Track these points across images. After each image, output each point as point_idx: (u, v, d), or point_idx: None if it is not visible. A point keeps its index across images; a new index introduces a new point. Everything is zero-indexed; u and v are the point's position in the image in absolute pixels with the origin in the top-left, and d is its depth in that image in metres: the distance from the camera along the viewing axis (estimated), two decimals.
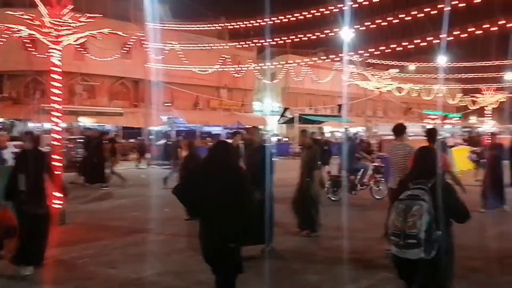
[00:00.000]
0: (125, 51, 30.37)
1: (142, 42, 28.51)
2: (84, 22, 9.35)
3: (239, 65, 35.20)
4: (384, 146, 18.21)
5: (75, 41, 9.46)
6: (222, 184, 3.89)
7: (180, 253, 6.72)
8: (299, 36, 27.63)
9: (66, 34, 9.14)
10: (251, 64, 35.25)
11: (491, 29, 21.96)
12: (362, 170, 11.90)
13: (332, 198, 11.18)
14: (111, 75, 34.05)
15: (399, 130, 6.85)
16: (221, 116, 37.82)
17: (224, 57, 34.62)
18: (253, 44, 30.90)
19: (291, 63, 36.41)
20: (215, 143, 4.68)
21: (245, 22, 27.06)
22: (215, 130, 37.25)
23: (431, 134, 6.62)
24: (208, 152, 4.32)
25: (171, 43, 29.51)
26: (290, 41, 28.97)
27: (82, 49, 24.83)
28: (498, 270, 5.72)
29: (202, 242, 4.01)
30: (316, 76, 44.73)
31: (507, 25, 21.25)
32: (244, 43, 30.74)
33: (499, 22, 21.28)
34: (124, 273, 5.81)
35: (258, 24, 26.42)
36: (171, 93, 34.64)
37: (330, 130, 39.61)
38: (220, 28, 30.42)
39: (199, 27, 30.69)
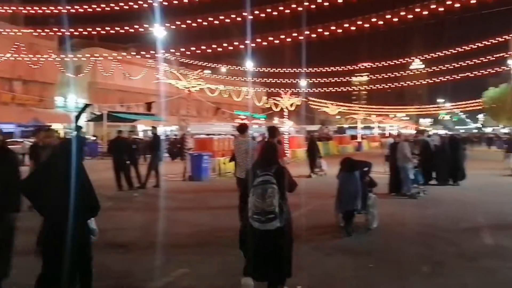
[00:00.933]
0: None
1: None
2: None
3: (37, 55, 31.26)
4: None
5: None
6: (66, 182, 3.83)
7: None
8: (106, 28, 26.03)
9: None
10: (51, 55, 31.68)
11: (287, 39, 24.46)
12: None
13: None
14: None
15: (242, 129, 8.43)
16: (15, 112, 33.06)
17: (17, 44, 30.29)
18: (53, 33, 27.84)
19: (98, 57, 34.12)
20: (60, 142, 4.74)
21: (43, 8, 24.11)
22: (7, 128, 32.34)
23: (270, 131, 7.73)
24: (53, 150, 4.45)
25: None
26: (96, 33, 27.07)
27: None
28: None
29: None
30: (127, 73, 43.03)
31: (299, 37, 23.98)
32: (42, 31, 27.45)
33: (293, 34, 23.86)
34: None
35: (58, 11, 23.84)
36: None
37: (143, 129, 38.66)
38: (12, 11, 26.44)
39: None
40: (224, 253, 6.40)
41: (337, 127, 76.51)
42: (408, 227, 8.18)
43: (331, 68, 46.77)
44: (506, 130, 65.62)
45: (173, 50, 28.51)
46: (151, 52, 28.45)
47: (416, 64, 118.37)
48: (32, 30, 28.29)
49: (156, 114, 45.12)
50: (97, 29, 26.28)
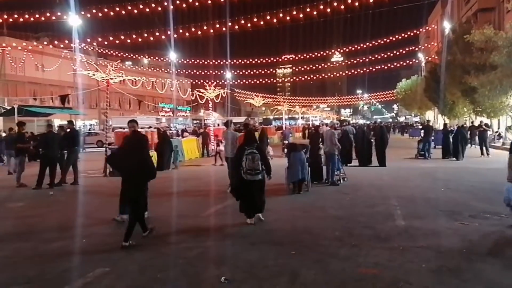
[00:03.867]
0: None
1: None
2: None
3: None
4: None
5: None
6: (137, 157, 6.51)
7: None
8: (15, 16, 24.20)
9: None
10: None
11: (210, 31, 24.27)
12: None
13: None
14: None
15: (227, 124, 12.07)
16: None
17: None
18: None
19: (5, 47, 31.50)
20: (132, 132, 6.98)
21: None
22: None
23: (245, 125, 11.75)
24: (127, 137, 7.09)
25: None
26: (3, 21, 25.08)
27: None
28: None
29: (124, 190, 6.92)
30: (40, 64, 40.19)
31: (223, 29, 23.92)
32: None
33: (217, 26, 23.73)
34: None
35: None
36: None
37: (59, 124, 36.37)
38: None
39: None
40: (145, 249, 6.24)
41: (263, 119, 77.67)
42: (329, 213, 8.52)
43: (256, 60, 47.24)
44: (417, 119, 70.83)
45: (90, 40, 27.13)
46: (66, 41, 26.84)
47: (337, 56, 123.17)
48: None
49: (74, 107, 42.73)
50: (4, 16, 24.43)
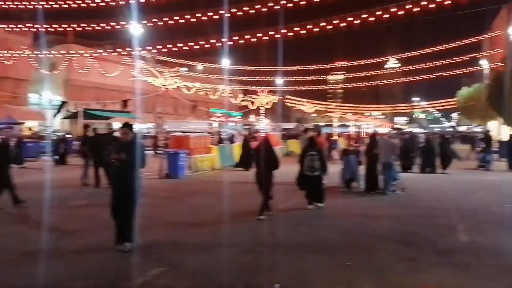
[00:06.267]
0: None
1: None
2: None
3: (9, 51, 30.35)
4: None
5: None
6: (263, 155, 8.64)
7: None
8: (82, 25, 25.55)
9: None
10: (24, 51, 30.81)
11: (264, 38, 24.43)
12: None
13: None
14: None
15: (306, 130, 13.30)
16: None
17: None
18: (27, 29, 27.15)
19: (73, 54, 33.37)
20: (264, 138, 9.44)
21: (16, 3, 23.49)
22: None
23: (317, 129, 13.94)
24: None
25: None
26: (72, 29, 26.53)
27: None
28: None
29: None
30: (103, 70, 42.24)
31: (276, 36, 24.00)
32: (15, 26, 26.73)
33: (270, 32, 23.86)
34: None
35: (33, 6, 23.27)
36: None
37: (119, 127, 38.00)
38: None
39: None
40: (201, 251, 6.37)
41: (313, 125, 76.75)
42: (385, 224, 8.28)
43: (308, 66, 46.92)
44: (479, 129, 67.38)
45: (150, 48, 28.12)
46: (127, 49, 28.05)
47: (391, 63, 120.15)
48: (5, 26, 27.49)
49: (132, 111, 44.52)
50: (73, 25, 25.77)
